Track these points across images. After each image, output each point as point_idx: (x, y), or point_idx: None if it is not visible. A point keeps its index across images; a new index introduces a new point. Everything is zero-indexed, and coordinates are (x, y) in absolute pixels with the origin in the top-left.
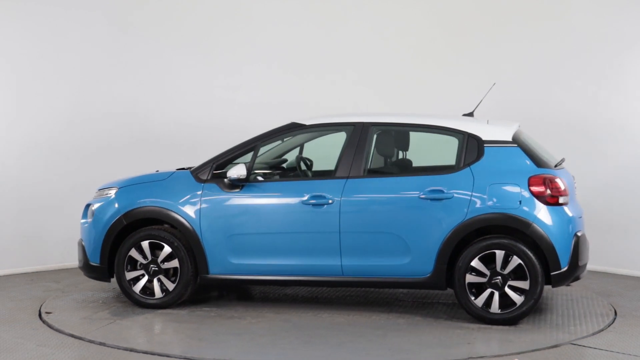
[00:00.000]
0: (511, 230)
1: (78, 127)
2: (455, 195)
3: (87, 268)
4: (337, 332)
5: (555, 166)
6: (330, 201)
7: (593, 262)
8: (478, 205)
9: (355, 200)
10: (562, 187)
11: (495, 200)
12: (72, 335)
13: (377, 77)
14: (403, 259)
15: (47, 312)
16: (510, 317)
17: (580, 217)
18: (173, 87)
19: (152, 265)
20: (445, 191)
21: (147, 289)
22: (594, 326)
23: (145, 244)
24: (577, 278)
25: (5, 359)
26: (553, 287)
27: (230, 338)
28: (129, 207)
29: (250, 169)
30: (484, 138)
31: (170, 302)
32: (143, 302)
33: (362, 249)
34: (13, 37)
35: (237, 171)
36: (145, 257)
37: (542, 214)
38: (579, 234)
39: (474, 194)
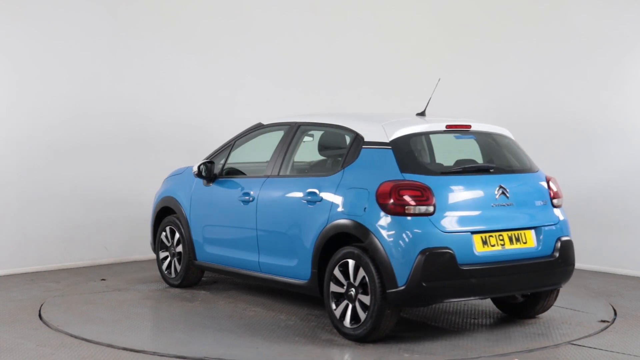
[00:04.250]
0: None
1: (78, 126)
2: (324, 198)
3: (151, 246)
4: (217, 322)
5: (456, 173)
6: (251, 199)
7: (593, 262)
8: (337, 210)
9: (265, 199)
10: (412, 197)
11: (348, 205)
12: (72, 335)
13: (377, 77)
14: (292, 260)
15: (102, 280)
16: (356, 333)
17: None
18: (173, 87)
19: (172, 248)
20: (317, 194)
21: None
22: (594, 326)
23: (167, 229)
24: (427, 302)
25: (5, 359)
26: (393, 306)
27: (122, 318)
28: (160, 196)
29: (223, 166)
30: (365, 139)
31: (180, 282)
32: (165, 280)
33: (271, 247)
34: (14, 36)
35: (194, 168)
36: (169, 240)
37: (383, 223)
38: (434, 250)
39: (336, 198)
